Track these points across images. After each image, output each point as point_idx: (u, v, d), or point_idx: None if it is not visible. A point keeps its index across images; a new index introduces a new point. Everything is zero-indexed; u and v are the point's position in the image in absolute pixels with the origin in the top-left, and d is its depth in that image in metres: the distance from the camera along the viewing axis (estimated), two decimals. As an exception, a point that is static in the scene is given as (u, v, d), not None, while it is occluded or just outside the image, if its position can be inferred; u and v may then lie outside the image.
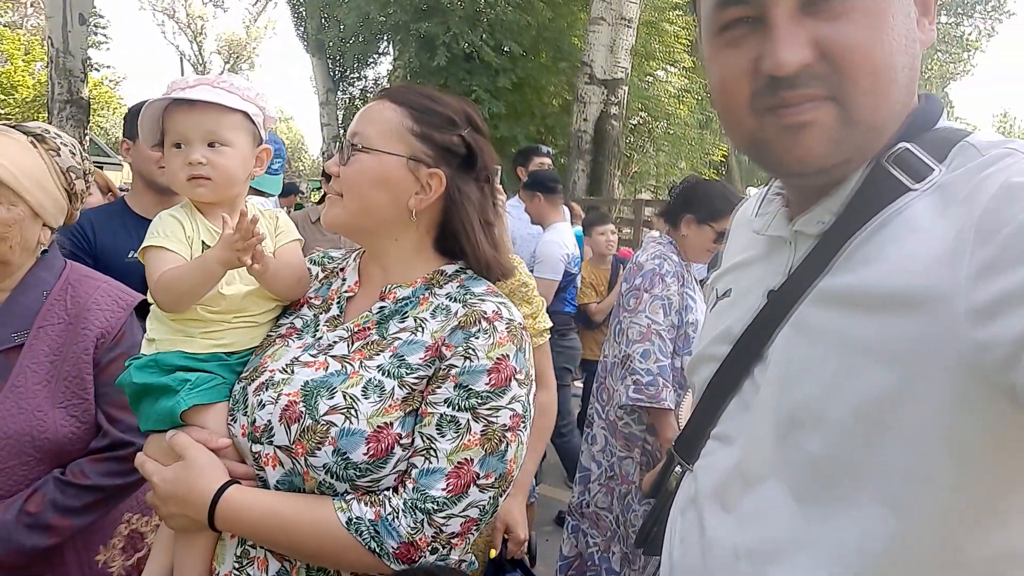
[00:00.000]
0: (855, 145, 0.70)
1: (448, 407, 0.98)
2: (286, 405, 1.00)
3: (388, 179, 1.07)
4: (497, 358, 1.00)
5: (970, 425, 0.61)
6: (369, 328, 1.08)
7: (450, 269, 1.13)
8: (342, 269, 1.23)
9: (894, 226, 0.69)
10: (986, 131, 0.78)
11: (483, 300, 1.06)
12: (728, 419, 0.84)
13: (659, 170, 13.76)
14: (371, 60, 16.58)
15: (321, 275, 1.26)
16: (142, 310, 1.35)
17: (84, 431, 1.34)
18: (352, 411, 0.98)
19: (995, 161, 0.65)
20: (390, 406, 0.98)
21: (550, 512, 4.10)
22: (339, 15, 14.37)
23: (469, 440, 0.97)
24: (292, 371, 1.06)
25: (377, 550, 0.94)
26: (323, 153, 20.22)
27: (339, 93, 17.64)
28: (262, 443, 1.02)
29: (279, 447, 1.00)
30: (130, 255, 1.95)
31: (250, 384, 1.08)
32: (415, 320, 1.06)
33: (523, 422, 1.02)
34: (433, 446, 0.97)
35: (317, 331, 1.13)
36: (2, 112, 19.63)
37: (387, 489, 0.99)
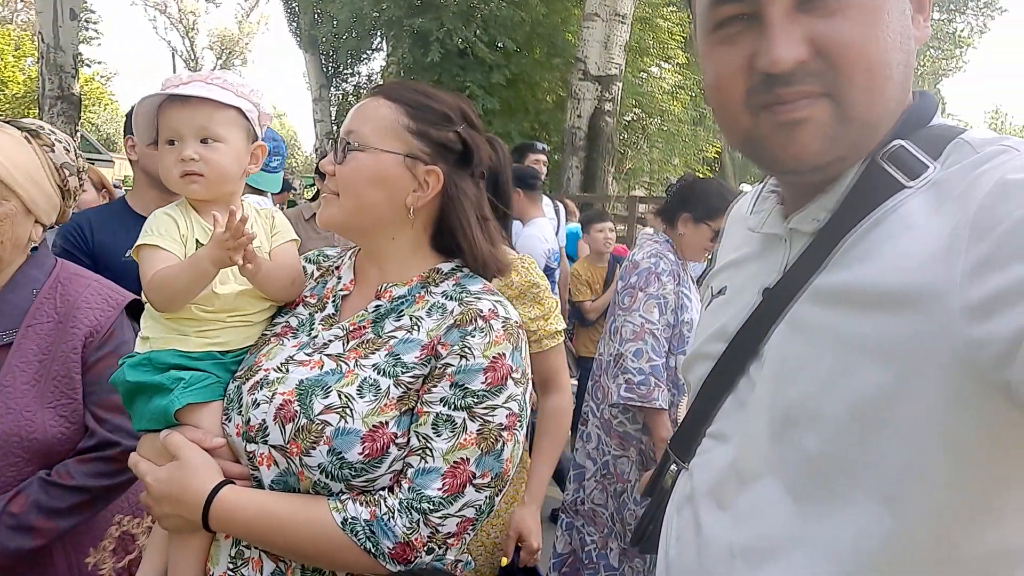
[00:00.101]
0: (850, 142, 0.70)
1: (444, 406, 0.98)
2: (281, 404, 1.00)
3: (385, 177, 1.06)
4: (493, 357, 1.00)
5: (965, 422, 0.62)
6: (364, 327, 1.08)
7: (446, 267, 1.12)
8: (337, 267, 1.22)
9: (889, 223, 0.69)
10: (980, 128, 0.79)
11: (479, 298, 1.05)
12: (723, 417, 0.84)
13: (653, 167, 13.79)
14: (364, 56, 16.55)
15: (316, 273, 1.25)
16: (136, 311, 1.34)
17: (73, 431, 1.33)
18: (347, 410, 0.97)
19: (990, 158, 0.65)
20: (385, 405, 0.98)
21: (543, 509, 4.10)
22: (332, 10, 14.34)
23: (465, 439, 0.97)
24: (287, 370, 1.05)
25: (373, 550, 0.94)
26: (316, 150, 20.16)
27: (332, 89, 17.60)
28: (256, 442, 1.02)
29: (274, 447, 1.00)
30: (127, 255, 1.94)
31: (245, 383, 1.07)
32: (411, 319, 1.06)
33: (519, 421, 1.02)
34: (429, 445, 0.97)
35: (312, 330, 1.13)
36: (-8, 109, 19.50)
37: (382, 489, 0.98)
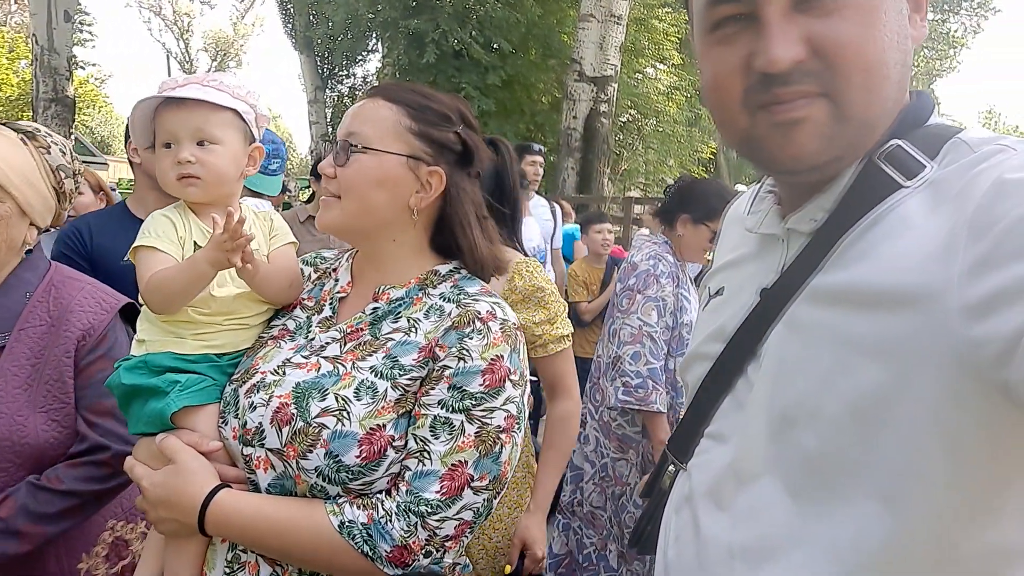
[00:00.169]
0: (847, 142, 0.70)
1: (442, 408, 0.98)
2: (277, 407, 1.00)
3: (389, 179, 1.06)
4: (491, 359, 1.00)
5: (964, 422, 0.62)
6: (362, 329, 1.07)
7: (444, 269, 1.12)
8: (334, 270, 1.22)
9: (887, 223, 0.69)
10: (977, 128, 0.79)
11: (477, 300, 1.05)
12: (722, 417, 0.84)
13: (648, 168, 13.82)
14: (360, 57, 16.56)
15: (314, 276, 1.25)
16: (132, 316, 1.33)
17: (65, 436, 1.31)
18: (344, 413, 0.97)
19: (987, 157, 0.65)
20: (383, 408, 0.98)
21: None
22: (327, 12, 14.33)
23: (463, 442, 0.97)
24: (284, 373, 1.05)
25: (370, 554, 0.94)
26: (312, 151, 20.12)
27: (328, 91, 17.60)
28: (253, 446, 1.01)
29: (270, 450, 0.99)
30: (125, 258, 1.93)
31: (241, 386, 1.07)
32: (408, 321, 1.05)
33: (517, 423, 1.02)
34: (427, 448, 0.97)
35: (309, 332, 1.12)
36: (-15, 111, 19.44)
37: (380, 492, 0.98)
